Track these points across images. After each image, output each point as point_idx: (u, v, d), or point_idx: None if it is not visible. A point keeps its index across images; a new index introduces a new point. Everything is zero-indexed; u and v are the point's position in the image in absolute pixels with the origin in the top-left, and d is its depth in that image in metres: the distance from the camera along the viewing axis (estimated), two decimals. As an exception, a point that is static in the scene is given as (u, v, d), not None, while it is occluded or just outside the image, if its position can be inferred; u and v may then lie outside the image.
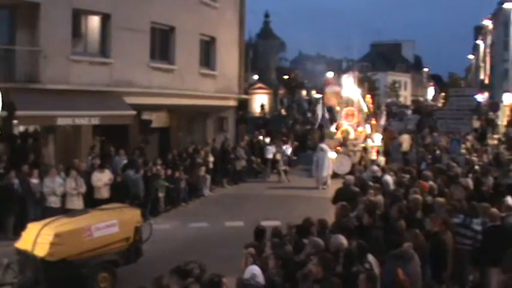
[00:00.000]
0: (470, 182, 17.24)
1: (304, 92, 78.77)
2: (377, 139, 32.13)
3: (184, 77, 27.52)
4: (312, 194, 25.45)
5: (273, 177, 30.17)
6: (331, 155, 28.54)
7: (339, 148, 29.94)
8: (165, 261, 11.62)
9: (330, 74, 68.02)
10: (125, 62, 23.67)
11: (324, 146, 28.37)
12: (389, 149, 33.49)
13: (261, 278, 8.82)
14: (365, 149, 30.26)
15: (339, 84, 37.13)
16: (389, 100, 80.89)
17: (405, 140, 34.82)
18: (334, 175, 27.57)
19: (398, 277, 8.01)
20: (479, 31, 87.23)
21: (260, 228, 11.02)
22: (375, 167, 21.26)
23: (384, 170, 20.42)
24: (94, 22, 23.48)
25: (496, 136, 40.16)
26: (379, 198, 14.37)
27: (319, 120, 34.93)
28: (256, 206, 23.69)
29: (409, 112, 72.54)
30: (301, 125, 46.95)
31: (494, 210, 12.40)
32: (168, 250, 16.03)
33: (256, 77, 61.73)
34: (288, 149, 32.32)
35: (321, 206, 18.40)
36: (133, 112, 22.99)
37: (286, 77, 73.28)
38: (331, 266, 8.37)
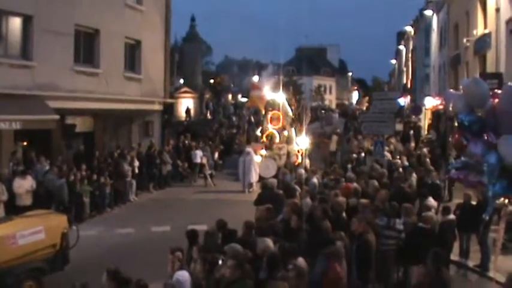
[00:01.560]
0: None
1: (230, 96, 78.97)
2: (302, 142, 32.42)
3: (109, 81, 27.17)
4: (238, 198, 25.59)
5: (199, 182, 30.18)
6: (257, 158, 28.74)
7: (262, 152, 30.13)
8: (92, 267, 11.49)
9: (255, 78, 68.43)
10: (48, 65, 23.10)
11: (250, 149, 28.57)
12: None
13: (188, 283, 8.79)
14: (289, 153, 30.48)
15: (264, 88, 37.34)
16: (314, 104, 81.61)
17: (333, 141, 35.35)
18: (260, 178, 27.72)
19: (336, 271, 8.18)
20: (401, 37, 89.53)
21: (194, 231, 10.97)
22: (301, 170, 21.50)
23: (312, 172, 20.73)
24: (15, 23, 22.75)
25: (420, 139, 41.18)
26: (307, 200, 14.57)
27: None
28: (182, 210, 23.68)
29: (336, 115, 73.49)
30: (227, 129, 47.08)
31: (429, 213, 12.81)
32: (95, 256, 15.78)
33: (182, 80, 61.57)
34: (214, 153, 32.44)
35: (247, 209, 18.43)
36: (57, 116, 22.47)
37: (212, 81, 73.32)
38: (244, 267, 8.39)
